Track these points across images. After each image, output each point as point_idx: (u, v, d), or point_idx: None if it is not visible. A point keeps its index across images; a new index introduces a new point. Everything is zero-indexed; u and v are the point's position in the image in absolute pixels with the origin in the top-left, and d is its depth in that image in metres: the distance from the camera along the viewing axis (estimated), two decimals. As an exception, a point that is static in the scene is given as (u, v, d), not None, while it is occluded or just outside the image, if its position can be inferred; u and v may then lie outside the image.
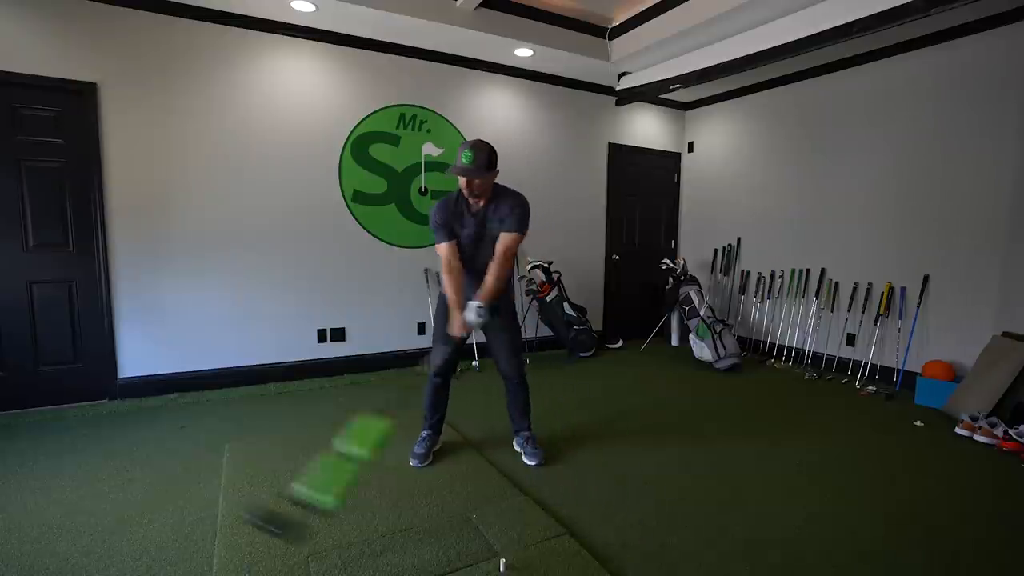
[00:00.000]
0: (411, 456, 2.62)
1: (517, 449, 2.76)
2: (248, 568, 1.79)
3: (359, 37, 4.02)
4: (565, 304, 4.84)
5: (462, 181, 2.34)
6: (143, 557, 1.86)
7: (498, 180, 2.48)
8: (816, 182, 4.61)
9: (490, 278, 2.39)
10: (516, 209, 2.42)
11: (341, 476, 1.79)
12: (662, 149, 5.80)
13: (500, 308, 2.53)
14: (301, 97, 3.91)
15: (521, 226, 2.43)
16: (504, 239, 2.40)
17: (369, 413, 2.01)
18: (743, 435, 3.07)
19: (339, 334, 4.21)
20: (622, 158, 5.49)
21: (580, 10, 4.19)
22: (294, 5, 3.47)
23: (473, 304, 2.33)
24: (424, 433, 2.69)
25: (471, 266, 2.50)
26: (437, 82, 4.41)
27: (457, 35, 3.97)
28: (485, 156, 2.31)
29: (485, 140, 2.39)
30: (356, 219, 4.19)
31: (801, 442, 2.97)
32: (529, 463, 2.64)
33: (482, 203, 2.42)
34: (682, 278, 5.01)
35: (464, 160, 2.28)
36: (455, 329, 2.36)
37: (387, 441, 1.97)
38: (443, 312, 2.55)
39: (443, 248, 2.43)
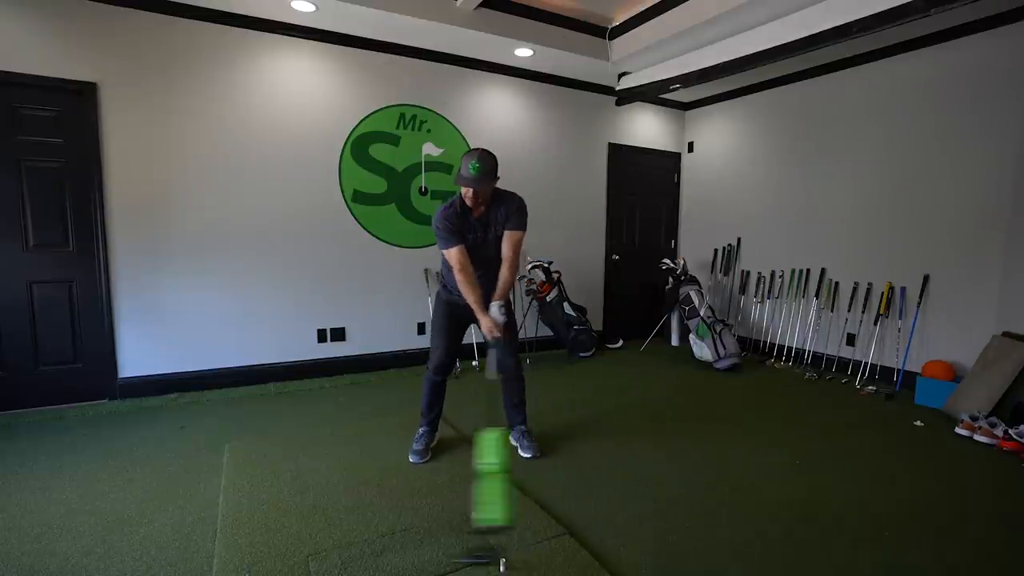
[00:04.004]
0: (411, 453, 2.65)
1: (513, 443, 2.80)
2: (248, 568, 1.79)
3: (359, 37, 4.02)
4: (565, 304, 4.84)
5: (468, 192, 2.36)
6: (143, 557, 1.86)
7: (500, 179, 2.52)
8: (816, 182, 4.61)
9: (506, 274, 2.46)
10: (517, 209, 2.50)
11: (499, 492, 1.83)
12: (662, 149, 5.80)
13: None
14: (301, 97, 3.91)
15: (524, 224, 2.50)
16: (512, 236, 2.47)
17: (483, 429, 1.97)
18: (743, 435, 3.07)
19: (339, 334, 4.21)
20: (622, 158, 5.49)
21: (580, 10, 4.19)
22: (294, 5, 3.47)
23: (495, 304, 2.39)
24: (421, 430, 2.73)
25: (481, 280, 2.51)
26: (437, 82, 4.41)
27: (457, 35, 3.97)
28: (490, 165, 2.36)
29: (487, 149, 2.43)
30: (356, 219, 4.19)
31: (801, 442, 2.97)
32: (525, 456, 2.69)
33: (483, 209, 2.46)
34: (682, 278, 5.01)
35: (471, 170, 2.31)
36: (491, 330, 2.33)
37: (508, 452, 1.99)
38: (444, 312, 2.62)
39: (455, 252, 2.38)
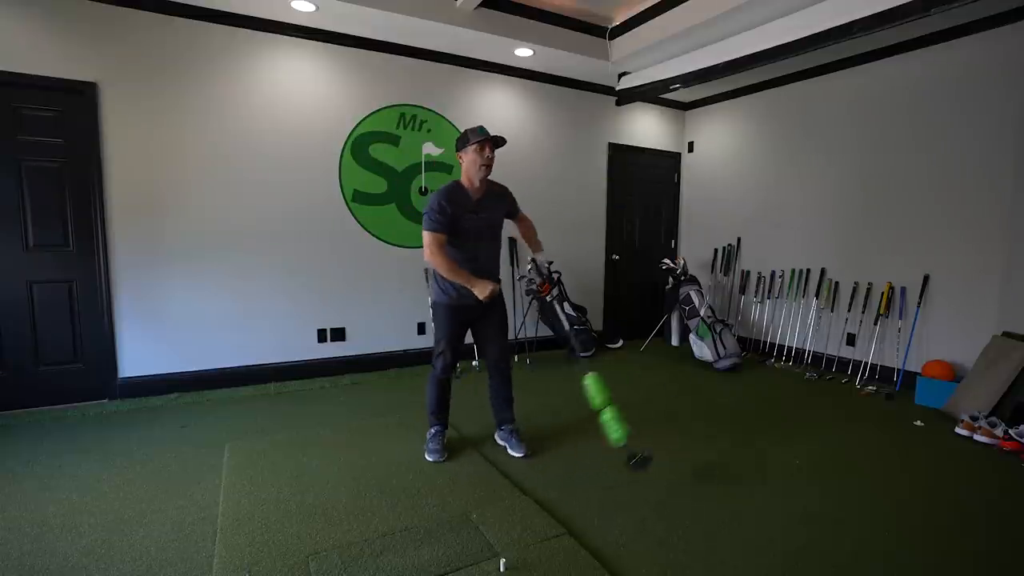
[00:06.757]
0: (428, 452, 2.68)
1: (500, 443, 2.82)
2: (248, 568, 1.79)
3: (359, 37, 4.01)
4: (565, 304, 4.84)
5: (486, 150, 2.47)
6: (143, 557, 1.86)
7: (498, 178, 2.66)
8: (816, 181, 4.61)
9: (532, 233, 2.80)
10: (513, 198, 2.74)
11: (615, 418, 2.44)
12: (662, 149, 5.80)
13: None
14: (301, 97, 3.91)
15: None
16: (522, 214, 2.79)
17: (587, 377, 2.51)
18: (742, 435, 3.07)
19: (339, 334, 4.21)
20: (622, 158, 5.49)
21: (580, 10, 4.19)
22: (294, 5, 3.47)
23: (541, 255, 2.79)
24: (434, 429, 2.76)
25: (474, 264, 2.55)
26: (437, 82, 4.41)
27: (457, 35, 3.97)
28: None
29: None
30: (356, 219, 4.19)
31: (801, 442, 2.97)
32: (515, 455, 2.71)
33: (481, 193, 2.56)
34: (682, 278, 5.01)
35: (483, 131, 2.47)
36: (487, 293, 2.46)
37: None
38: (451, 318, 2.64)
39: (439, 237, 2.45)
